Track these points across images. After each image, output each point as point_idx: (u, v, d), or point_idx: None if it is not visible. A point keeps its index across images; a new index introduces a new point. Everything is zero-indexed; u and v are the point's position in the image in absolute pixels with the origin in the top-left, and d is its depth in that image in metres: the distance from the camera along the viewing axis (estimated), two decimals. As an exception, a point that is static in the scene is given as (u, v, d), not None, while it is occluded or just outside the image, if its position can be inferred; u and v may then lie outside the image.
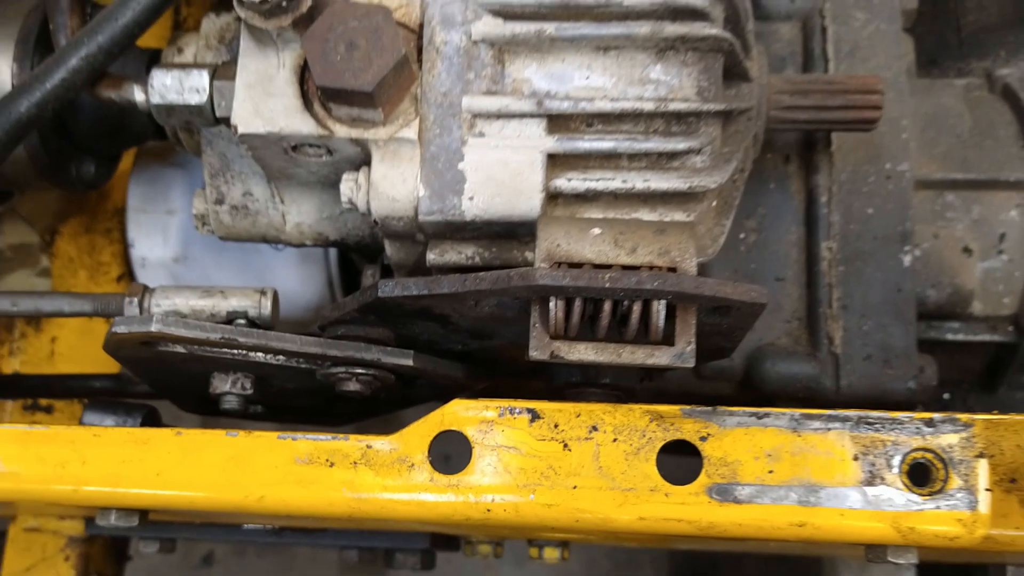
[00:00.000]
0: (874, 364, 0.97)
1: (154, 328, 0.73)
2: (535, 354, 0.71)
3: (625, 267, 0.71)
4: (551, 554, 1.07)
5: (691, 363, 0.70)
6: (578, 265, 0.72)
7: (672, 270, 0.71)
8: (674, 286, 0.68)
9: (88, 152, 1.01)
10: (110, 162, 1.06)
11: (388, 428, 0.83)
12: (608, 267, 0.71)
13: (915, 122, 1.04)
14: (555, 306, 0.70)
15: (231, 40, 0.91)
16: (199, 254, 1.20)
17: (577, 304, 0.70)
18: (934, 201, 1.04)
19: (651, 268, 0.71)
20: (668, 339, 0.71)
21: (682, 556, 1.97)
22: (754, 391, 1.01)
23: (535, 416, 0.77)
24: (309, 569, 2.20)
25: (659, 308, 0.69)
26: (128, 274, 1.34)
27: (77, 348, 1.37)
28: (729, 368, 1.01)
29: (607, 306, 0.70)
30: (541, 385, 0.96)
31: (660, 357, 0.70)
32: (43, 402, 1.38)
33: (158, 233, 1.20)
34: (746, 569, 1.94)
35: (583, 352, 0.71)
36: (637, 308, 0.69)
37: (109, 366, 1.20)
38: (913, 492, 0.72)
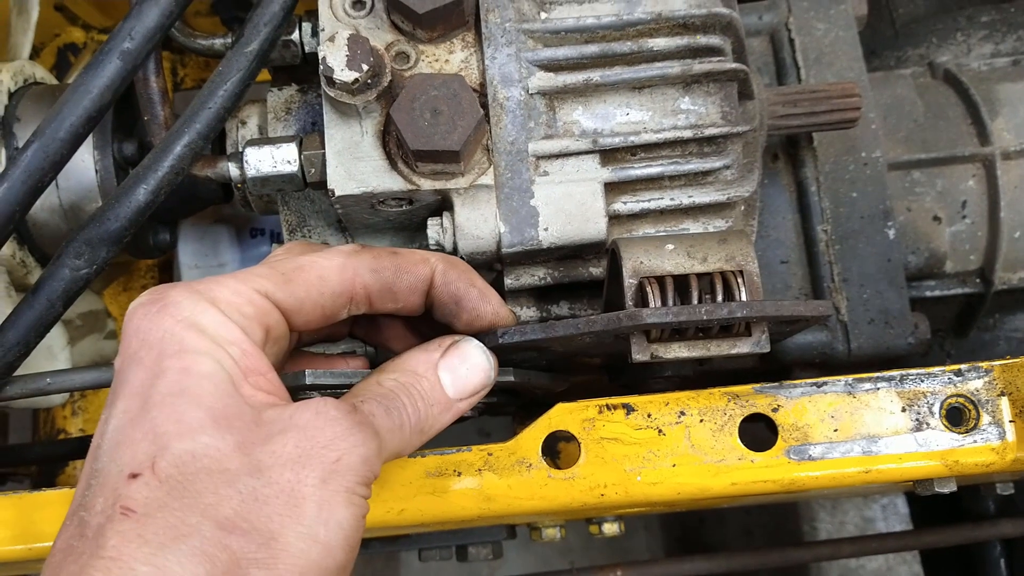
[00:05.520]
0: (877, 327, 1.12)
1: (308, 381, 0.82)
2: (638, 357, 0.83)
3: (700, 275, 0.84)
4: (611, 528, 1.20)
5: (767, 349, 0.83)
6: (660, 278, 0.84)
7: (740, 272, 0.84)
8: (759, 312, 0.79)
9: (160, 221, 1.10)
10: (174, 227, 1.15)
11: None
12: (686, 277, 0.84)
13: (878, 113, 1.20)
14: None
15: (296, 110, 1.02)
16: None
17: (673, 317, 0.82)
18: (904, 179, 1.20)
19: (722, 273, 0.84)
20: (747, 329, 0.84)
21: (671, 513, 2.11)
22: (774, 362, 1.15)
23: (630, 409, 0.90)
24: None
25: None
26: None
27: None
28: (752, 345, 1.15)
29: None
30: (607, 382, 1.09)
31: (742, 346, 0.83)
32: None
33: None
34: (729, 517, 2.10)
35: (678, 350, 0.84)
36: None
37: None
38: (954, 432, 0.87)
